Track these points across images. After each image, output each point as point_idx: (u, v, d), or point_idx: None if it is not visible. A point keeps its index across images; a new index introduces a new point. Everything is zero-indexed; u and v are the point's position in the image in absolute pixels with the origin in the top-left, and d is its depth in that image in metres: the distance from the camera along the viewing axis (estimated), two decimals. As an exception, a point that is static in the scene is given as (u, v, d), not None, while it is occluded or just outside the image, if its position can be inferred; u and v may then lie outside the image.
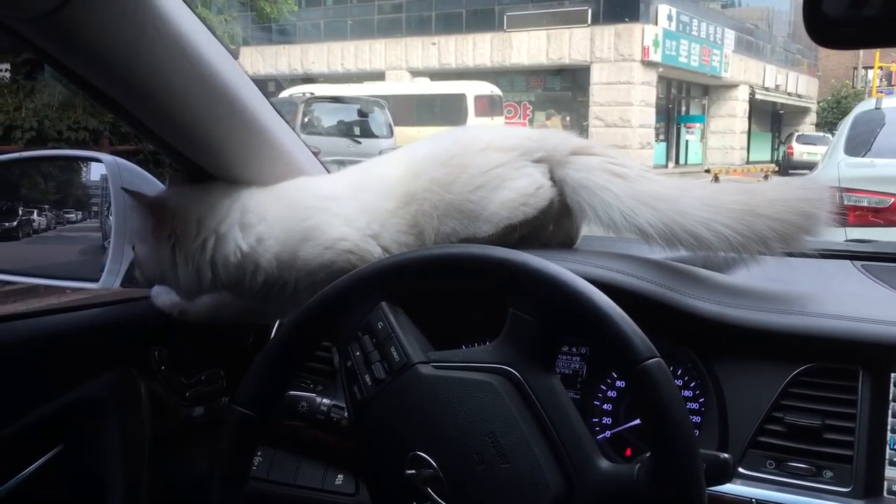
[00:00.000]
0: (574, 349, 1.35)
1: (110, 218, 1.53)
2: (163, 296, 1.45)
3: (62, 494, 1.37)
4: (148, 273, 1.35)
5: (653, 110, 24.75)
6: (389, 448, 0.99)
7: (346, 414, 1.13)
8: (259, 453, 1.38)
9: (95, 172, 1.78)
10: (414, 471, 0.95)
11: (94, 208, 1.84)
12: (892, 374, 1.12)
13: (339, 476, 1.35)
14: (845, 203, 4.55)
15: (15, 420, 1.31)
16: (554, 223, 1.41)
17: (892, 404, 1.11)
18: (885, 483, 1.09)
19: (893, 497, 1.08)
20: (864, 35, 0.95)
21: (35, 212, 2.21)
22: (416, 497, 0.94)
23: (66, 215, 2.09)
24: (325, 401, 1.23)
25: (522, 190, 1.33)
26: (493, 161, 1.34)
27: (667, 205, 1.27)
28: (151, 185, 1.53)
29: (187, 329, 1.44)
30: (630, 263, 1.29)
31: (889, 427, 1.10)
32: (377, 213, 1.33)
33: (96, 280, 1.46)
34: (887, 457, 1.10)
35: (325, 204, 1.35)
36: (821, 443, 1.12)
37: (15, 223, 2.20)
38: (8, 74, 9.02)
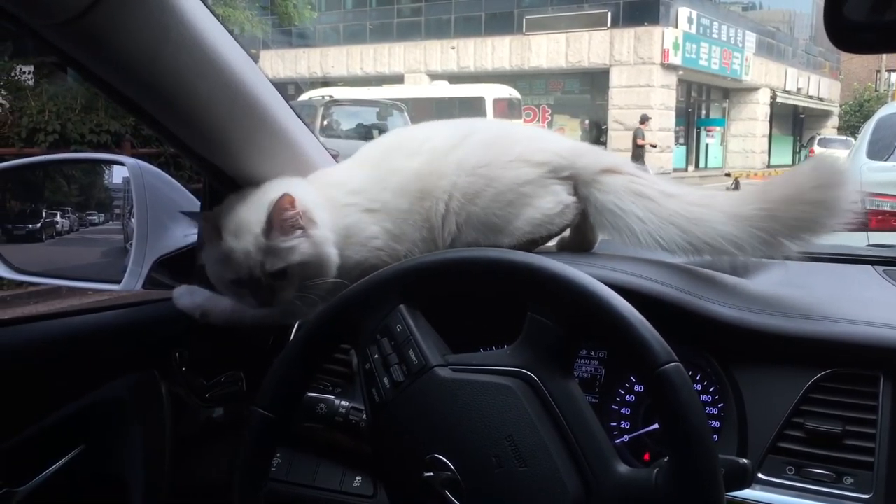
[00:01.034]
0: (592, 353, 1.35)
1: (132, 220, 1.54)
2: (185, 298, 1.46)
3: (84, 494, 1.38)
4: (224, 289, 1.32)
5: (672, 113, 24.64)
6: (407, 450, 0.99)
7: (364, 416, 1.13)
8: (278, 454, 1.39)
9: (118, 175, 1.80)
10: (432, 473, 0.95)
11: (117, 211, 1.85)
12: None
13: (357, 478, 1.35)
14: (867, 207, 4.51)
15: (37, 420, 1.32)
16: (574, 229, 1.41)
17: None
18: (907, 490, 1.08)
19: (915, 504, 1.07)
20: (887, 40, 0.94)
21: (58, 214, 2.24)
22: (433, 499, 0.94)
23: (89, 217, 2.11)
24: (343, 403, 1.23)
25: (547, 210, 1.34)
26: (522, 177, 1.34)
27: (692, 225, 1.28)
28: (173, 188, 1.54)
29: (208, 331, 1.45)
30: (649, 268, 1.29)
31: None
32: (396, 214, 1.34)
33: (118, 282, 1.47)
34: None
35: (353, 200, 1.35)
36: (841, 449, 1.11)
37: (38, 225, 2.22)
38: (31, 77, 9.11)
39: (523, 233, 1.33)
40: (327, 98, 15.88)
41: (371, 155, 1.45)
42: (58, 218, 2.21)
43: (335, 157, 1.57)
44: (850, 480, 1.10)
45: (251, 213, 1.27)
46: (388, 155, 1.43)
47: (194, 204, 1.54)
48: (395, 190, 1.35)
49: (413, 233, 1.35)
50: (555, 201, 1.34)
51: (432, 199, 1.34)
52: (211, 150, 1.32)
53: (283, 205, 1.23)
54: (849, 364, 1.14)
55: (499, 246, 1.31)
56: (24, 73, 9.09)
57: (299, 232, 1.26)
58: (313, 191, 1.34)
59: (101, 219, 2.03)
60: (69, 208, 2.19)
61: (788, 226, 1.25)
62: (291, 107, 1.41)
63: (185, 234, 1.51)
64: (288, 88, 23.15)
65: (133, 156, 1.78)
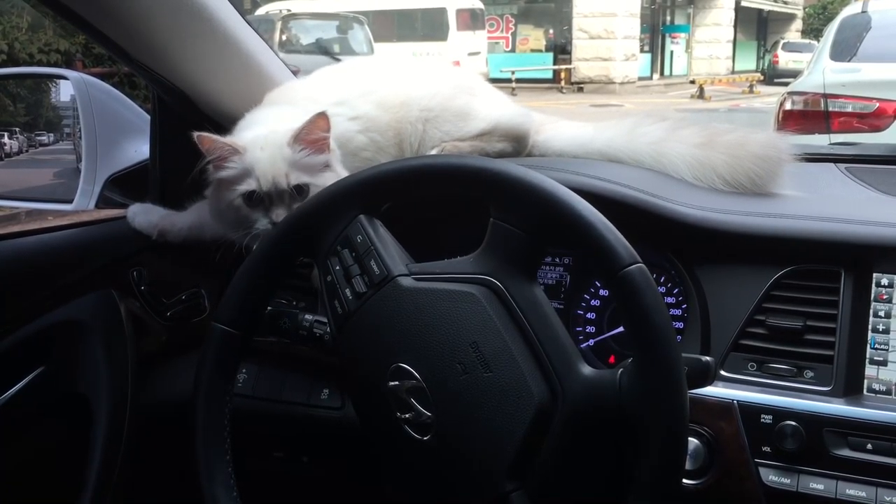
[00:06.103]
0: (557, 260, 1.35)
1: (83, 140, 1.49)
2: (140, 217, 1.43)
3: (47, 415, 1.37)
4: None
5: (637, 21, 24.29)
6: (372, 360, 0.98)
7: (328, 329, 1.12)
8: (244, 370, 1.39)
9: (65, 92, 1.74)
10: (397, 382, 0.94)
11: (67, 130, 1.80)
12: (874, 274, 1.12)
13: (324, 390, 1.35)
14: (830, 109, 4.52)
15: None
16: None
17: (873, 304, 1.11)
18: (865, 381, 1.10)
19: (873, 395, 1.10)
20: None
21: (6, 135, 2.16)
22: (399, 408, 0.94)
23: (38, 138, 2.05)
24: (307, 317, 1.22)
25: (512, 105, 1.48)
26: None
27: (625, 128, 1.40)
28: (121, 102, 1.49)
29: (166, 249, 1.42)
30: (613, 170, 1.28)
31: (870, 326, 1.11)
32: (378, 125, 1.38)
33: (71, 201, 1.44)
34: (868, 356, 1.11)
35: (339, 111, 1.35)
36: (802, 344, 1.13)
37: (-15, 147, 2.15)
38: (-26, -3, 8.74)
39: (493, 116, 1.41)
40: (285, 12, 15.42)
41: (343, 74, 1.47)
42: (6, 139, 2.14)
43: (296, 73, 1.53)
44: (810, 374, 1.12)
45: (279, 127, 1.26)
46: (365, 74, 1.47)
47: (144, 119, 1.49)
48: (376, 103, 1.38)
49: (393, 147, 1.38)
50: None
51: (406, 109, 1.38)
52: (164, 66, 1.29)
53: (320, 124, 1.23)
54: (811, 260, 1.15)
55: (470, 131, 1.40)
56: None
57: (326, 153, 1.26)
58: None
59: (51, 139, 1.98)
60: (17, 129, 2.12)
61: (720, 159, 1.30)
62: (248, 21, 1.36)
63: (136, 149, 1.47)
64: (244, 2, 22.43)
65: (84, 75, 1.73)
